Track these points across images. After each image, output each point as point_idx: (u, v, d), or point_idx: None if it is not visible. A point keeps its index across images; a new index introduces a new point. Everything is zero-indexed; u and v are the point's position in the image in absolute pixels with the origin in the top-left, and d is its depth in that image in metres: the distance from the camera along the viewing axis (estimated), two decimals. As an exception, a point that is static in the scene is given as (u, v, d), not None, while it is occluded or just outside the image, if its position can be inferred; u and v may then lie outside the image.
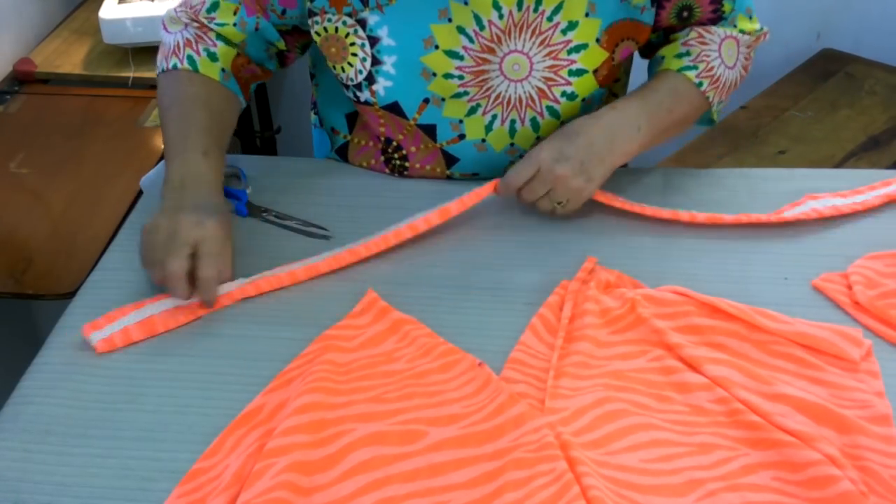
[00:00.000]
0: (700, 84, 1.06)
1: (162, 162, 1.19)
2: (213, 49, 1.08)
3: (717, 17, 1.07)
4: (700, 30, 1.07)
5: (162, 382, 0.87)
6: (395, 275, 0.99)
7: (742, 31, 1.08)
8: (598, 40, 1.03)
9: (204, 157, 1.01)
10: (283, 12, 1.06)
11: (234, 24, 1.07)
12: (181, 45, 1.08)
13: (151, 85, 1.58)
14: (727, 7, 1.07)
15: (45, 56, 1.65)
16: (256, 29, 1.08)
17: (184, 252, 0.91)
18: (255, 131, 2.23)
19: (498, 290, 0.97)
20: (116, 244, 1.05)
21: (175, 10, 1.11)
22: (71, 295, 1.02)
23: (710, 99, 1.08)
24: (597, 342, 0.88)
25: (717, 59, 1.06)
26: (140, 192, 1.16)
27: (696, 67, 1.06)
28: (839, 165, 1.79)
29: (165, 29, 1.11)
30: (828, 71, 2.11)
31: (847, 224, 1.04)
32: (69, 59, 1.65)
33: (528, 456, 0.76)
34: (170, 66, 1.08)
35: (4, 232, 1.27)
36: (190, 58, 1.07)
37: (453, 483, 0.75)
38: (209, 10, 1.07)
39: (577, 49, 1.03)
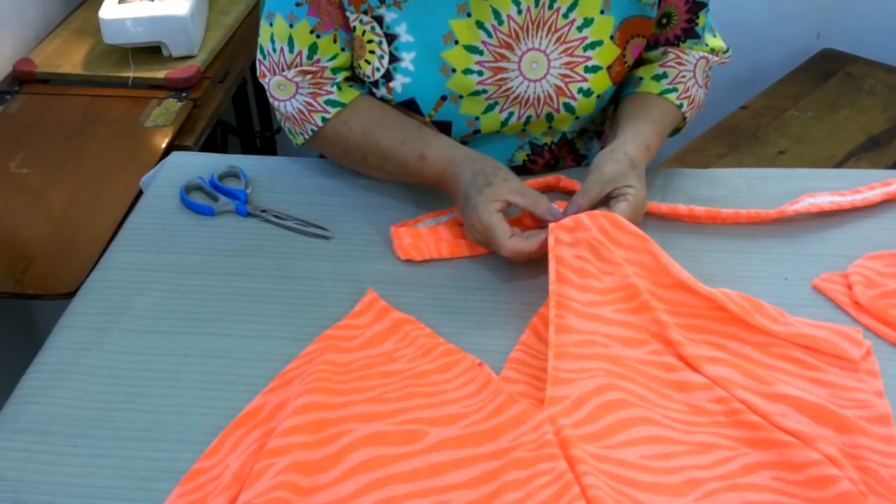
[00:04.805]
0: (681, 106, 1.10)
1: (161, 162, 1.19)
2: (332, 96, 1.07)
3: (690, 29, 1.10)
4: (676, 51, 1.11)
5: (162, 382, 0.87)
6: (395, 275, 0.99)
7: (712, 50, 1.12)
8: (612, 37, 1.05)
9: (447, 142, 1.05)
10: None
11: (343, 49, 1.06)
12: (309, 103, 1.07)
13: (151, 85, 1.58)
14: (702, 20, 1.10)
15: (45, 56, 1.65)
16: None
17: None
18: (255, 131, 2.23)
19: (498, 289, 0.97)
20: (116, 244, 1.05)
21: (272, 77, 1.07)
22: (71, 295, 1.02)
23: (687, 119, 1.13)
24: (602, 320, 0.88)
25: (692, 79, 1.11)
26: (140, 192, 1.16)
27: (675, 89, 1.10)
28: (839, 165, 1.79)
29: (275, 98, 1.09)
30: (828, 71, 2.11)
31: (847, 224, 1.04)
32: (69, 59, 1.64)
33: (528, 455, 0.76)
34: (318, 123, 1.07)
35: (4, 232, 1.27)
36: (329, 102, 1.07)
37: (453, 483, 0.75)
38: (310, 57, 1.05)
39: (593, 46, 1.05)
